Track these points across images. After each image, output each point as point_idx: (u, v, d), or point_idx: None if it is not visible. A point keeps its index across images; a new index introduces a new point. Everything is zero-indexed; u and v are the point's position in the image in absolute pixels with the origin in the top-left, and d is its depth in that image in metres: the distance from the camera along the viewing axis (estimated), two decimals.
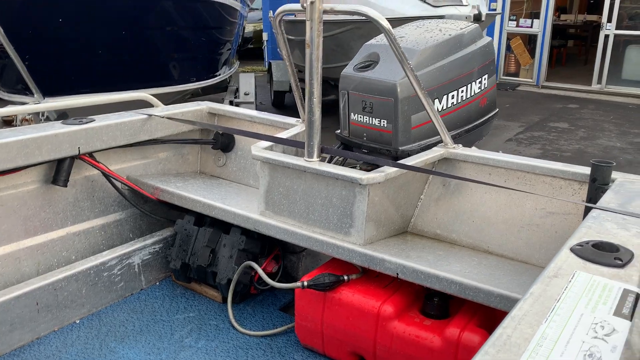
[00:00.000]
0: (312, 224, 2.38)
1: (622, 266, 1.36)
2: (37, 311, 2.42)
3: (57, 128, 2.61)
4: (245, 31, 15.51)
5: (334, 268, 2.39)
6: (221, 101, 8.84)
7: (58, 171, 2.63)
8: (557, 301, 1.20)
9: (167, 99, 5.53)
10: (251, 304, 2.78)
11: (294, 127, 2.90)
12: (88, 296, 2.65)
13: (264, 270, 2.73)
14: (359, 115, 2.75)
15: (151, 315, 2.68)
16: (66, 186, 2.67)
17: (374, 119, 2.70)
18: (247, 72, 10.34)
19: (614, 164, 1.99)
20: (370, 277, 2.35)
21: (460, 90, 2.75)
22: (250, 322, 2.64)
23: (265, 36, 11.34)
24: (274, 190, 2.47)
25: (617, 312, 1.17)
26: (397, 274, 2.15)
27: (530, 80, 11.86)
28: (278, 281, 2.60)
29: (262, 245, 2.72)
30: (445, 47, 2.73)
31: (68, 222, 2.75)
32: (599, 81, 11.10)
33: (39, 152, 2.49)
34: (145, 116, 2.93)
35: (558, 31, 14.43)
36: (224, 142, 3.19)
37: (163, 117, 2.94)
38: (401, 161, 2.37)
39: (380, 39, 2.95)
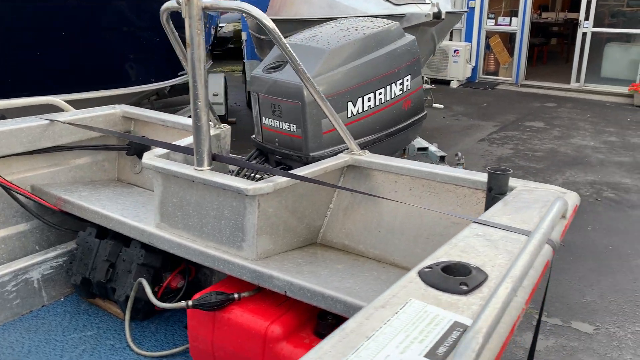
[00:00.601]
0: (206, 237, 2.22)
1: (465, 293, 1.19)
2: None
3: None
4: (225, 30, 15.33)
5: (231, 285, 2.23)
6: (188, 102, 8.69)
7: None
8: (367, 339, 1.03)
9: (125, 101, 5.37)
10: (156, 322, 2.62)
11: None
12: None
13: (168, 285, 2.57)
14: (270, 120, 2.59)
15: (45, 335, 2.52)
16: None
17: (283, 123, 2.54)
18: (217, 72, 10.17)
19: (511, 171, 1.83)
20: (267, 294, 2.18)
21: (377, 92, 2.59)
22: (151, 341, 2.48)
23: (244, 36, 11.17)
24: (168, 201, 2.30)
25: (431, 353, 1.00)
26: (286, 291, 1.99)
27: (510, 79, 11.71)
28: (182, 299, 2.44)
29: (164, 259, 2.55)
30: (359, 47, 2.57)
31: None
32: (578, 79, 10.95)
33: None
34: (47, 122, 2.76)
35: (540, 29, 14.28)
36: (138, 147, 3.02)
37: (64, 122, 2.77)
38: (304, 168, 2.21)
39: (294, 37, 2.79)
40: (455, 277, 1.23)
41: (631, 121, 8.99)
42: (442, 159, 5.17)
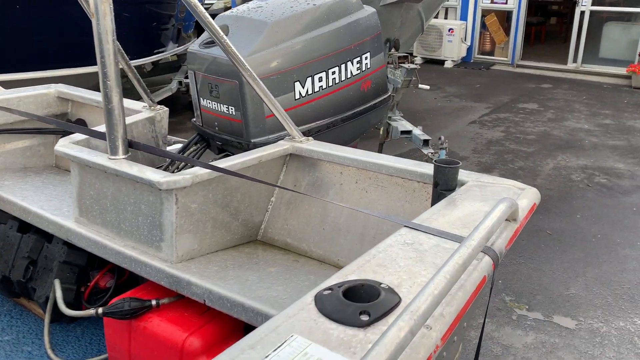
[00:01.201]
0: (124, 235, 1.97)
1: (365, 325, 0.93)
2: None
3: None
4: (215, 8, 14.90)
5: (151, 289, 1.98)
6: (170, 82, 8.38)
7: None
8: None
9: (92, 81, 5.09)
10: (83, 325, 2.38)
11: (140, 113, 2.46)
12: None
13: (95, 285, 2.32)
14: (208, 101, 2.32)
15: None
16: None
17: (222, 105, 2.27)
18: None
19: (460, 164, 1.56)
20: (189, 301, 1.93)
21: (330, 71, 2.31)
22: (72, 347, 2.24)
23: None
24: (85, 193, 2.04)
25: None
26: (204, 300, 1.74)
27: (505, 59, 11.34)
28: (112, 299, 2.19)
29: (90, 256, 2.30)
30: (309, 19, 2.27)
31: None
32: (575, 60, 10.58)
33: None
34: None
35: (539, 8, 13.85)
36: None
37: None
38: (236, 157, 1.94)
39: (238, 9, 2.50)
40: (357, 304, 0.97)
41: (628, 103, 8.67)
42: (425, 143, 4.90)
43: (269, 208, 2.11)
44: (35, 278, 2.33)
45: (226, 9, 14.57)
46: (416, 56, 11.32)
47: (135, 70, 2.32)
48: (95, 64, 1.83)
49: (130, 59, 6.51)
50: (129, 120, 2.35)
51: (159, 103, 2.34)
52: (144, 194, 1.84)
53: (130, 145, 1.93)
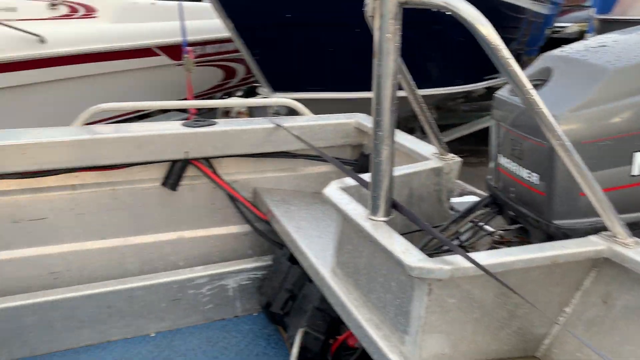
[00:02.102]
0: (372, 307, 1.67)
1: None
2: (109, 315, 2.36)
3: (172, 128, 2.49)
4: (568, 31, 13.62)
5: None
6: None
7: (169, 173, 2.52)
8: None
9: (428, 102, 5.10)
10: None
11: (425, 161, 2.15)
12: (169, 310, 2.48)
13: (343, 342, 2.11)
14: (507, 160, 1.84)
15: (220, 350, 2.36)
16: (175, 189, 2.53)
17: (523, 169, 1.76)
18: None
19: None
20: None
21: None
22: None
23: (588, 37, 9.68)
24: (344, 245, 1.83)
25: None
26: None
27: None
28: None
29: None
30: None
31: (183, 227, 2.63)
32: None
33: (149, 151, 2.40)
34: (273, 126, 2.58)
35: None
36: (365, 164, 2.61)
37: (284, 128, 2.54)
38: (526, 249, 1.45)
39: (573, 46, 1.90)
40: None
41: None
42: None
43: (560, 320, 1.54)
44: (291, 315, 2.27)
45: (581, 34, 12.98)
46: None
47: (428, 114, 2.01)
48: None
49: (459, 84, 6.31)
50: (410, 168, 2.07)
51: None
52: (395, 270, 1.52)
53: (394, 206, 1.63)
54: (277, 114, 4.76)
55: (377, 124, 1.53)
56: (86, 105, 2.62)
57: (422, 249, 1.60)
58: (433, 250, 1.82)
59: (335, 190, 1.82)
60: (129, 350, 2.32)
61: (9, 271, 2.33)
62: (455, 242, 1.93)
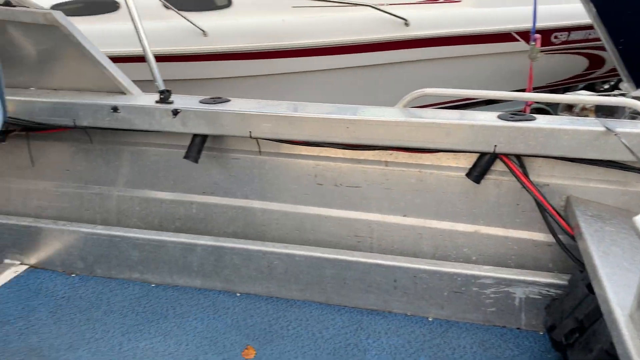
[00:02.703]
0: None
1: None
2: (394, 287, 2.48)
3: (484, 120, 2.39)
4: None
5: None
6: None
7: (475, 165, 2.45)
8: None
9: None
10: None
11: None
12: (450, 301, 2.45)
13: None
14: None
15: (492, 358, 2.21)
16: (478, 182, 2.45)
17: None
18: None
19: None
20: None
21: None
22: None
23: None
24: None
25: None
26: None
27: None
28: None
29: None
30: None
31: (480, 221, 2.54)
32: None
33: (457, 140, 2.38)
34: (603, 129, 2.21)
35: None
36: None
37: (615, 133, 2.13)
38: None
39: None
40: None
41: None
42: None
43: None
44: (575, 348, 1.97)
45: None
46: None
47: None
48: None
49: None
50: None
51: None
52: None
53: None
54: (636, 115, 4.06)
55: None
56: (434, 85, 2.73)
57: None
58: None
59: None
60: (406, 325, 2.43)
61: (325, 226, 2.69)
62: None
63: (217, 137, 2.70)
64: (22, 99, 2.78)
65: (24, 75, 2.93)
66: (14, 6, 2.75)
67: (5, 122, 2.50)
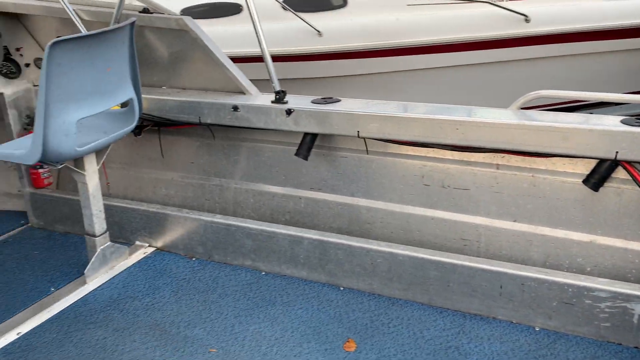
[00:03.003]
0: None
1: None
2: (499, 294, 2.42)
3: (605, 124, 2.25)
4: None
5: None
6: None
7: (593, 172, 2.32)
8: None
9: None
10: None
11: None
12: (559, 311, 2.33)
13: None
14: None
15: None
16: (596, 190, 2.31)
17: None
18: None
19: None
20: None
21: None
22: None
23: None
24: None
25: None
26: None
27: None
28: None
29: None
30: None
31: (598, 231, 2.40)
32: None
33: (575, 145, 2.27)
34: None
35: None
36: None
37: None
38: None
39: None
40: None
41: None
42: None
43: None
44: None
45: None
46: None
47: None
48: None
49: None
50: None
51: None
52: None
53: None
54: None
55: None
56: (551, 84, 2.64)
57: None
58: None
59: None
60: (510, 333, 2.37)
61: (431, 227, 2.69)
62: None
63: (327, 136, 2.80)
64: (155, 97, 3.07)
65: (157, 75, 3.24)
66: (151, 13, 3.05)
67: (140, 118, 2.78)
